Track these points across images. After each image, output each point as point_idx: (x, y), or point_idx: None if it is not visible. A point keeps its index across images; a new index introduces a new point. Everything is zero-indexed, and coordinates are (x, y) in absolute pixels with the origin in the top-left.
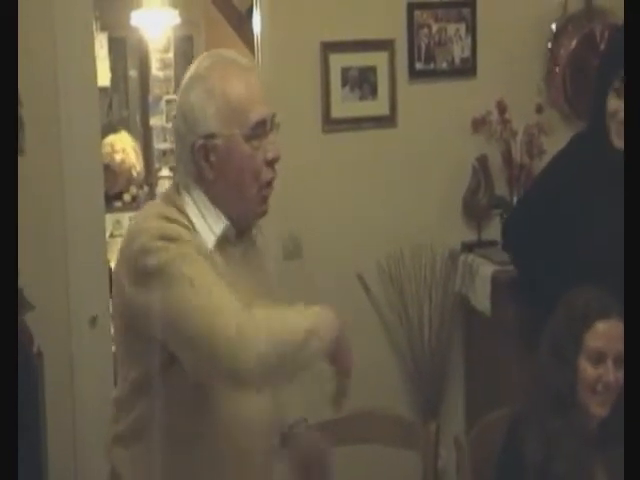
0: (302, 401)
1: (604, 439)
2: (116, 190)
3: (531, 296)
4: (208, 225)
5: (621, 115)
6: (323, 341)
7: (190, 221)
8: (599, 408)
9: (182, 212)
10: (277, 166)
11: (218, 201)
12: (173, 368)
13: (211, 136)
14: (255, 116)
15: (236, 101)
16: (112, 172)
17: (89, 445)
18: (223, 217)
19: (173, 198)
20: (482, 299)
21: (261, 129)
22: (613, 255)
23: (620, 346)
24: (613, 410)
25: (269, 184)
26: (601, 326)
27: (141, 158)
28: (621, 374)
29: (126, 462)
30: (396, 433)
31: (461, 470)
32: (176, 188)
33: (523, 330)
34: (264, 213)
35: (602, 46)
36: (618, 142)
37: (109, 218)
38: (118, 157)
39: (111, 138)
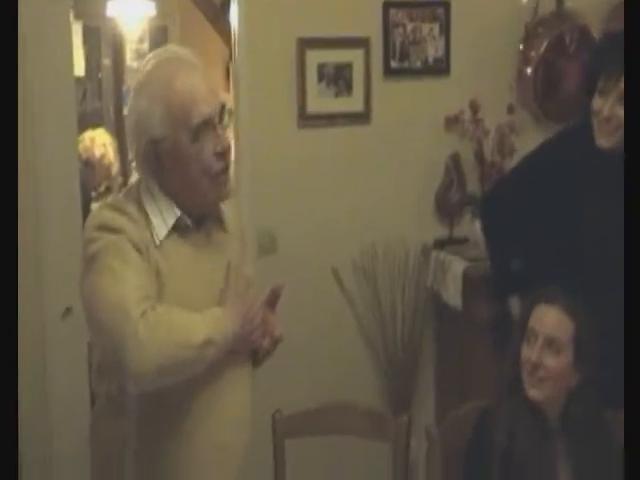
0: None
1: (565, 429)
2: (94, 184)
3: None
4: (162, 217)
5: (604, 114)
6: (218, 346)
7: (146, 213)
8: (532, 390)
9: (139, 204)
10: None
11: (172, 194)
12: None
13: (158, 140)
14: (198, 117)
15: (178, 105)
16: (91, 166)
17: (63, 434)
18: (176, 209)
19: (134, 191)
20: (453, 295)
21: (206, 126)
22: (584, 249)
23: (555, 330)
24: (571, 401)
25: (223, 172)
26: (541, 308)
27: (119, 157)
28: (550, 359)
29: (101, 444)
30: (368, 425)
31: (431, 461)
32: (137, 184)
33: (492, 324)
34: (225, 197)
35: (571, 48)
36: (600, 139)
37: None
38: (98, 152)
39: (91, 133)
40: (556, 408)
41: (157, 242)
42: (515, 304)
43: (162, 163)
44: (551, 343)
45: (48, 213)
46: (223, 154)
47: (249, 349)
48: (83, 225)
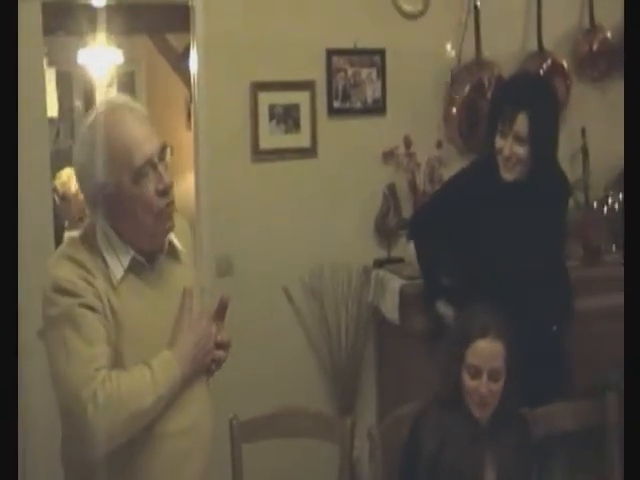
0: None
1: (493, 432)
2: (70, 218)
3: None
4: (117, 258)
5: (506, 152)
6: (167, 396)
7: (102, 256)
8: (480, 412)
9: (94, 248)
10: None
11: (123, 234)
12: None
13: (102, 186)
14: (139, 160)
15: (119, 150)
16: (67, 200)
17: (36, 453)
18: (130, 249)
19: (89, 234)
20: (391, 309)
21: (147, 167)
22: (497, 270)
23: (494, 363)
24: (502, 407)
25: (166, 207)
26: (478, 345)
27: None
28: (495, 386)
29: (74, 464)
30: (316, 427)
31: (373, 458)
32: (91, 225)
33: (426, 337)
34: (170, 230)
35: (489, 92)
36: (504, 174)
37: (66, 236)
38: (74, 188)
39: (69, 170)
40: (488, 414)
41: (115, 283)
42: (441, 306)
43: (109, 207)
44: (493, 374)
45: (23, 242)
46: (165, 191)
47: (204, 370)
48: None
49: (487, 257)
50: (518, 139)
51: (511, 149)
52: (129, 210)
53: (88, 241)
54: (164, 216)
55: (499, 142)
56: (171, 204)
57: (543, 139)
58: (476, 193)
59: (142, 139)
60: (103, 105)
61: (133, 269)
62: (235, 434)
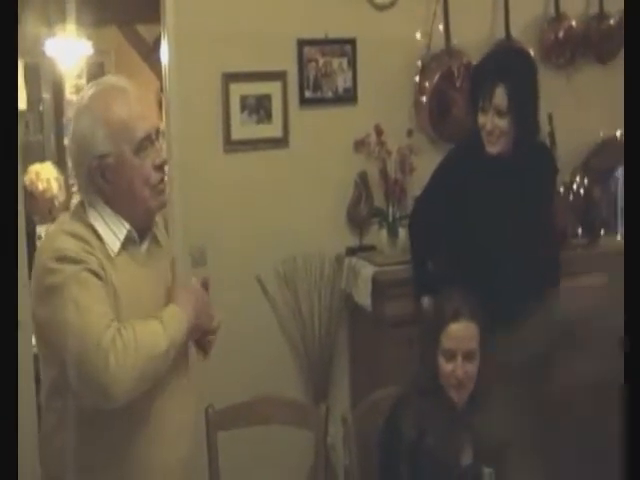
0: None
1: (470, 418)
2: (38, 215)
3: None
4: (112, 232)
5: (488, 126)
6: (179, 343)
7: (96, 232)
8: (456, 394)
9: (88, 225)
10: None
11: (118, 208)
12: None
13: (104, 156)
14: (140, 132)
15: (120, 121)
16: (34, 199)
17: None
18: (125, 222)
19: (79, 213)
20: (364, 296)
21: (147, 141)
22: (488, 249)
23: (468, 344)
24: (476, 391)
25: (160, 182)
26: (451, 328)
27: (64, 189)
28: (470, 367)
29: (54, 458)
30: (291, 414)
31: (347, 443)
32: (81, 204)
33: (397, 322)
34: (163, 206)
35: (459, 80)
36: (489, 148)
37: (38, 231)
38: (41, 186)
39: (37, 167)
40: (465, 398)
41: (112, 255)
42: (426, 302)
43: (106, 179)
44: (468, 355)
45: None
46: (161, 166)
47: (199, 335)
48: (27, 250)
49: (479, 236)
50: (498, 112)
51: (493, 122)
52: (127, 182)
53: (80, 218)
54: (158, 189)
55: (481, 119)
56: (164, 181)
57: (523, 109)
58: (465, 172)
59: (142, 115)
60: (100, 83)
61: (125, 246)
62: (211, 422)
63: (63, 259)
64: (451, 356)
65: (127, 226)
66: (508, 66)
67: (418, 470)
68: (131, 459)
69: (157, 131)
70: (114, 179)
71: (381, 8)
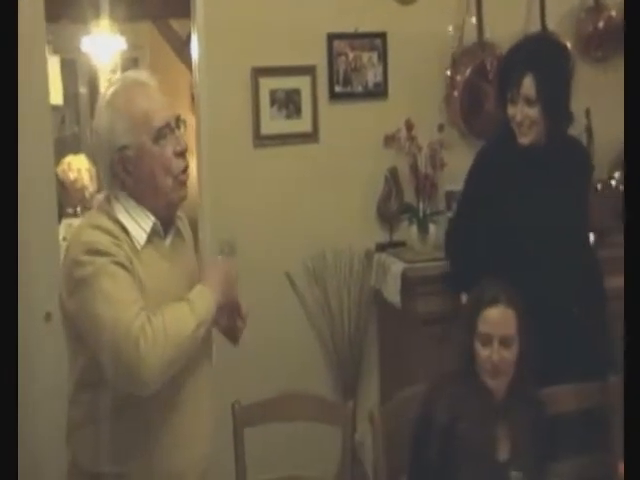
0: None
1: (508, 406)
2: (69, 205)
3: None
4: (138, 225)
5: (518, 117)
6: (207, 323)
7: (122, 226)
8: (492, 381)
9: (114, 219)
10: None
11: (142, 200)
12: None
13: (124, 148)
14: (158, 121)
15: (140, 114)
16: (66, 189)
17: (43, 439)
18: (150, 215)
19: (105, 207)
20: (393, 293)
21: (166, 130)
22: (521, 243)
23: (505, 329)
24: (517, 380)
25: (183, 172)
26: (488, 312)
27: (95, 181)
28: (506, 353)
29: (83, 447)
30: (318, 411)
31: (375, 440)
32: (107, 198)
33: (427, 320)
34: (184, 198)
35: (491, 74)
36: (520, 139)
37: (62, 223)
38: (72, 176)
39: (69, 158)
40: (504, 388)
41: (139, 248)
42: (465, 298)
43: (128, 171)
44: (505, 341)
45: (29, 227)
46: (182, 153)
47: (227, 316)
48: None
49: (512, 229)
50: (528, 101)
51: (522, 112)
52: (149, 171)
53: (106, 212)
54: (181, 179)
55: (511, 110)
56: (186, 170)
57: (552, 97)
58: (499, 166)
59: (161, 105)
60: (125, 78)
61: (151, 239)
62: (237, 418)
63: (92, 252)
64: (487, 341)
65: (152, 218)
66: (535, 54)
67: (450, 455)
68: (158, 450)
69: (177, 119)
70: (136, 170)
71: (406, 3)
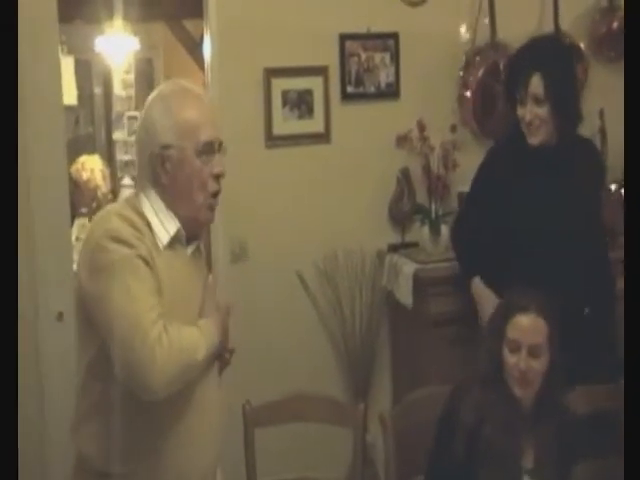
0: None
1: (536, 415)
2: (82, 204)
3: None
4: (163, 225)
5: (527, 117)
6: (211, 356)
7: (147, 220)
8: (519, 390)
9: (140, 213)
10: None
11: (171, 204)
12: None
13: (167, 146)
14: (205, 136)
15: (190, 120)
16: (79, 188)
17: (57, 437)
18: (176, 220)
19: (133, 201)
20: (405, 294)
21: (209, 148)
22: (530, 242)
23: (533, 338)
24: (545, 391)
25: (215, 195)
26: (518, 318)
27: (109, 181)
28: (535, 362)
29: (89, 441)
30: (329, 412)
31: (386, 442)
32: (136, 194)
33: (439, 321)
34: (210, 221)
35: (503, 75)
36: (530, 139)
37: (75, 223)
38: (85, 175)
39: (83, 158)
40: (531, 397)
41: (160, 247)
42: (478, 284)
43: (165, 169)
44: (534, 350)
45: (41, 226)
46: (219, 176)
47: (219, 354)
48: (72, 237)
49: (522, 229)
50: (536, 100)
51: (532, 112)
52: (186, 180)
53: (134, 207)
54: (212, 202)
55: (520, 110)
56: (217, 195)
57: (561, 96)
58: (509, 166)
59: (211, 122)
60: (183, 84)
61: (173, 243)
62: (248, 419)
63: (117, 240)
64: (516, 348)
65: (178, 224)
66: (542, 54)
67: (473, 457)
68: (166, 449)
69: (220, 144)
70: (173, 171)
71: (415, 4)
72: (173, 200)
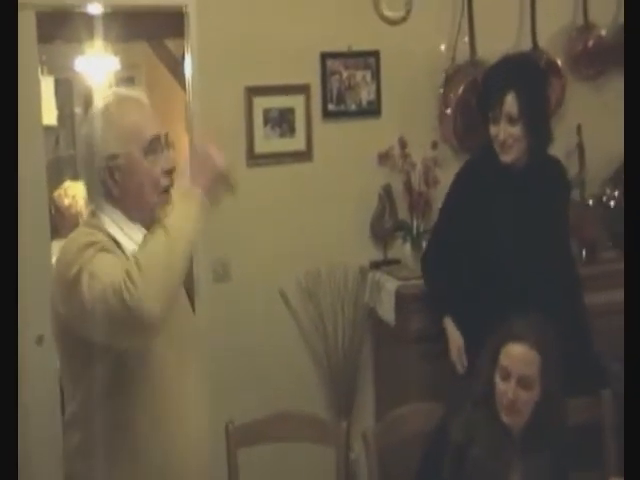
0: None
1: (525, 444)
2: (63, 228)
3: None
4: (128, 236)
5: (501, 136)
6: (196, 223)
7: (112, 238)
8: (507, 417)
9: (103, 231)
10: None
11: (128, 212)
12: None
13: (113, 156)
14: (149, 134)
15: (131, 125)
16: (59, 212)
17: (35, 460)
18: (141, 227)
19: (94, 222)
20: (387, 311)
21: (156, 144)
22: (503, 262)
23: (524, 368)
24: (536, 422)
25: (166, 190)
26: (511, 347)
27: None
28: (524, 394)
29: (73, 451)
30: (312, 431)
31: (369, 459)
32: (92, 213)
33: (421, 337)
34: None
35: (477, 93)
36: (502, 157)
37: (55, 244)
38: (66, 202)
39: (67, 184)
40: (521, 424)
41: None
42: (448, 323)
43: (115, 180)
44: (524, 380)
45: (20, 249)
46: (170, 172)
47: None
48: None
49: (494, 250)
50: (510, 119)
51: (505, 131)
52: (137, 184)
53: (96, 226)
54: (165, 197)
55: (493, 129)
56: (169, 188)
57: (534, 115)
58: (481, 184)
59: (152, 119)
60: (117, 92)
61: None
62: (231, 438)
63: (80, 247)
64: (506, 375)
65: (143, 230)
66: (516, 73)
67: (460, 476)
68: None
69: (167, 137)
70: (123, 180)
71: (394, 23)
72: (129, 207)
